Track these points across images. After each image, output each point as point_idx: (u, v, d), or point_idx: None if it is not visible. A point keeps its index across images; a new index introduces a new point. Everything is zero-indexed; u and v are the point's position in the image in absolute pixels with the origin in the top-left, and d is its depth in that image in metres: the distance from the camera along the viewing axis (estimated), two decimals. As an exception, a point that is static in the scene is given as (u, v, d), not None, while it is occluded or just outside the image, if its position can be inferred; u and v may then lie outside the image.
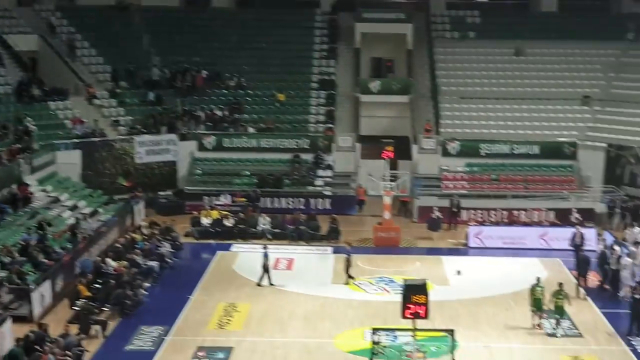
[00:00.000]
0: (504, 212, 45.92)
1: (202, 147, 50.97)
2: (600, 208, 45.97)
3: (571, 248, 38.98)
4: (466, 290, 35.38)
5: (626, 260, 34.94)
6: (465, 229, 43.47)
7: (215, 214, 44.19)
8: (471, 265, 38.92)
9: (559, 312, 30.22)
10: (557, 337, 29.90)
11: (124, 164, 48.72)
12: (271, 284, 35.64)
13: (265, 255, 35.77)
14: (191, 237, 43.07)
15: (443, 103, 53.90)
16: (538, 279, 31.17)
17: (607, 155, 49.09)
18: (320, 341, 29.68)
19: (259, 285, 35.61)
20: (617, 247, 35.97)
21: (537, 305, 30.60)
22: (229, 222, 43.50)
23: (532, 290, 30.76)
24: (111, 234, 40.51)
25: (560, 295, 30.32)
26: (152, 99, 53.11)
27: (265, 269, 35.74)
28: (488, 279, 37.03)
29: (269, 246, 37.52)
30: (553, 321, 30.45)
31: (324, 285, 35.96)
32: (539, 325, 30.60)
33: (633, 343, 29.48)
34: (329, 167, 50.37)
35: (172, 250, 39.29)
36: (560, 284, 30.89)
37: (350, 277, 36.25)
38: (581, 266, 35.34)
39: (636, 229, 39.27)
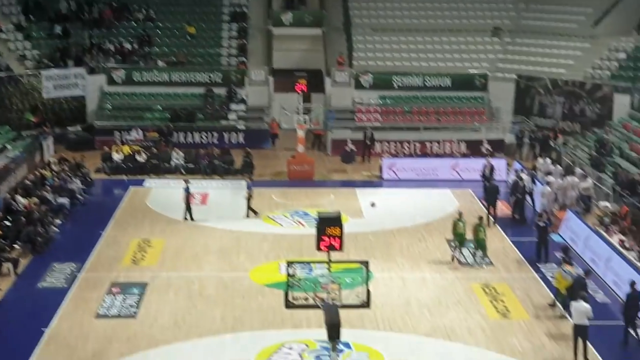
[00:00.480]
0: (417, 144, 46.45)
1: (111, 81, 50.13)
2: (510, 139, 46.75)
3: (481, 178, 39.57)
4: (380, 222, 35.71)
5: (545, 188, 35.73)
6: (378, 161, 43.83)
7: (126, 149, 43.71)
8: (385, 197, 39.29)
9: (480, 245, 30.74)
10: (482, 267, 30.46)
11: (31, 99, 47.74)
12: (185, 219, 35.51)
13: (187, 190, 35.45)
14: (102, 173, 42.58)
15: (356, 35, 53.84)
16: (460, 214, 31.49)
17: (517, 86, 49.78)
18: (236, 275, 29.77)
19: (191, 219, 35.41)
20: (525, 177, 36.69)
21: (459, 239, 30.98)
22: (141, 158, 43.08)
23: (455, 225, 31.10)
24: (20, 171, 39.79)
25: (481, 227, 30.76)
26: (59, 32, 51.90)
27: (187, 205, 35.50)
28: (402, 211, 37.44)
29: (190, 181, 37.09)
30: (471, 252, 31.11)
31: (239, 220, 35.99)
32: (453, 259, 31.07)
33: (542, 270, 30.23)
34: (242, 101, 50.06)
35: (82, 187, 38.80)
36: (480, 218, 31.38)
37: (253, 211, 36.26)
38: (490, 196, 35.99)
39: (548, 160, 40.09)
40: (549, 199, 35.38)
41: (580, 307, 23.23)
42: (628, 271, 27.32)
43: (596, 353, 23.66)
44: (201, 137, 47.67)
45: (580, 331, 23.24)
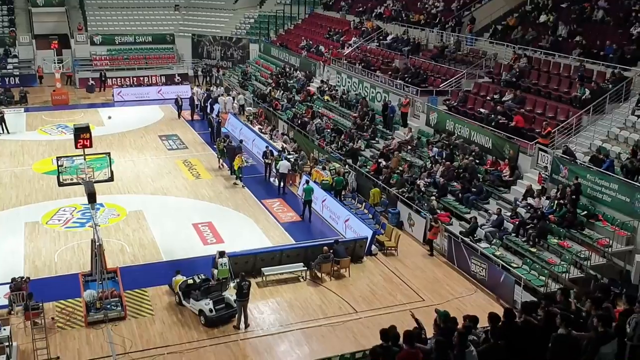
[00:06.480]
0: (134, 78, 43.90)
1: None
2: (191, 72, 45.66)
3: (174, 98, 37.65)
4: (115, 128, 33.80)
5: (221, 99, 35.72)
6: (111, 90, 41.08)
7: None
8: (117, 112, 37.03)
9: (222, 154, 27.28)
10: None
11: None
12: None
13: None
14: None
15: (88, 11, 49.25)
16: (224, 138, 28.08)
17: (192, 41, 48.40)
18: (23, 169, 27.08)
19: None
20: (201, 93, 36.07)
21: (221, 153, 27.29)
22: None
23: (218, 143, 27.88)
24: None
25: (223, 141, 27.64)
26: None
27: None
28: (129, 120, 35.56)
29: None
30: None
31: (21, 132, 32.45)
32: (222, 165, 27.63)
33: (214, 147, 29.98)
34: (15, 56, 44.35)
35: None
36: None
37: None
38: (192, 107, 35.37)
39: (216, 88, 38.97)
40: (222, 106, 35.30)
41: (284, 164, 24.29)
42: (263, 144, 28.32)
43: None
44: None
45: (283, 177, 24.06)
